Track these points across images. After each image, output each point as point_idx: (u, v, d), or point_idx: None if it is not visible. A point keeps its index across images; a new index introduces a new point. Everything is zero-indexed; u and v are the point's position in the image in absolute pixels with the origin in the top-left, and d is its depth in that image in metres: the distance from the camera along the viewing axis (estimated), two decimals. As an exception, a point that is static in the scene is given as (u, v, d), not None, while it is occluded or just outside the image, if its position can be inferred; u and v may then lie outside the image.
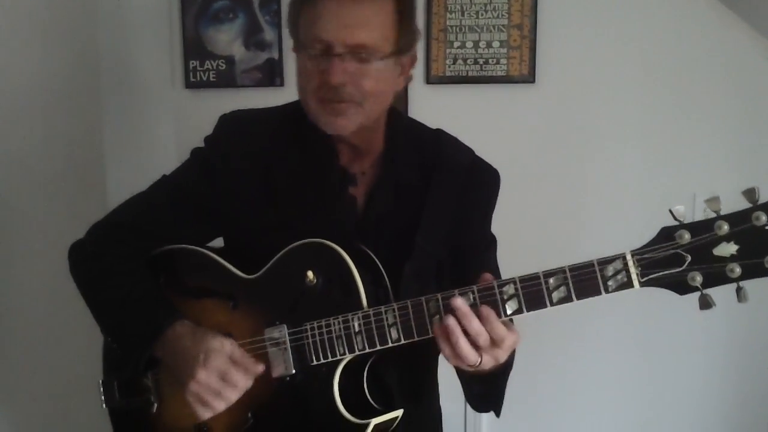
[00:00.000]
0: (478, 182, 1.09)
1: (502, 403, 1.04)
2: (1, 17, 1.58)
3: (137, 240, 1.10)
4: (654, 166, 1.86)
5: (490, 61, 1.89)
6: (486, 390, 1.02)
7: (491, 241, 1.13)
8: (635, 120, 1.86)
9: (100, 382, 1.14)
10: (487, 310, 0.86)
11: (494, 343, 0.87)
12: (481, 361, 0.88)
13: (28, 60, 1.67)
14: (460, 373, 1.00)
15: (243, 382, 0.97)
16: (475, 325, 0.86)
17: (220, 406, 0.96)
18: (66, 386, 1.75)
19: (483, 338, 0.86)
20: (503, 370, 0.97)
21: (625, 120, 1.87)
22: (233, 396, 0.96)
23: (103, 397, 1.13)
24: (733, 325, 1.85)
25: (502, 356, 0.90)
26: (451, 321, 0.87)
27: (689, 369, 1.91)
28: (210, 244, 1.16)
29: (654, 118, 1.85)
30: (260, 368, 0.98)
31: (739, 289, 0.74)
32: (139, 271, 1.08)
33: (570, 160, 1.90)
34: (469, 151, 1.12)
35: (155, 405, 1.09)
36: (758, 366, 1.88)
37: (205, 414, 0.97)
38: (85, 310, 1.11)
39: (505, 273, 1.13)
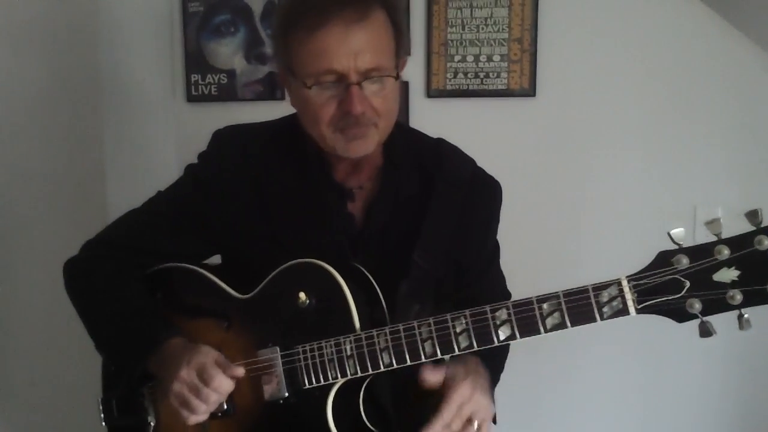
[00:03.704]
0: (479, 196, 1.07)
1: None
2: (2, 30, 1.59)
3: (130, 257, 1.09)
4: (654, 178, 1.85)
5: (490, 74, 1.88)
6: None
7: (494, 254, 1.11)
8: (635, 132, 1.85)
9: (99, 399, 1.13)
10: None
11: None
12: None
13: (30, 72, 1.68)
14: None
15: (219, 381, 0.93)
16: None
17: (200, 407, 0.94)
18: (65, 397, 1.74)
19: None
20: (492, 385, 0.97)
21: (625, 133, 1.86)
22: (212, 396, 0.94)
23: (102, 415, 1.12)
24: (732, 334, 1.81)
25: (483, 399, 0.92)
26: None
27: (688, 378, 1.89)
28: (207, 261, 1.15)
29: (654, 130, 1.84)
30: (240, 371, 0.96)
31: (740, 317, 0.70)
32: (134, 287, 1.08)
33: (570, 172, 1.89)
34: (470, 162, 1.10)
35: (152, 424, 1.08)
36: (758, 374, 1.85)
37: (189, 417, 0.95)
38: None
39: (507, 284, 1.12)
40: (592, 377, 1.92)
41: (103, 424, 1.13)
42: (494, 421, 1.02)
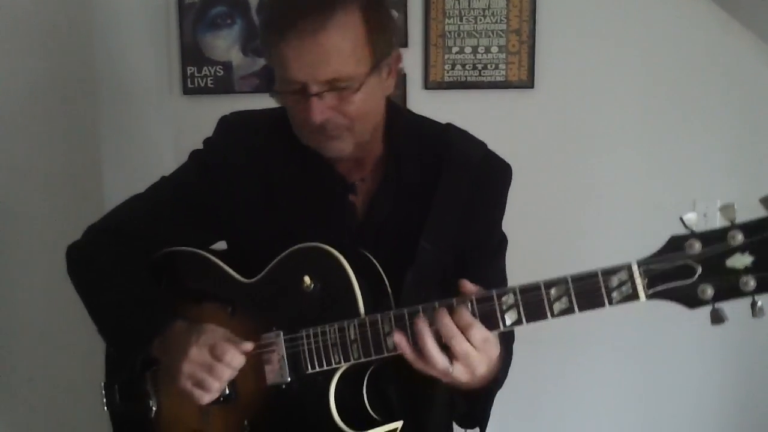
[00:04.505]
0: (488, 177, 1.05)
1: (487, 421, 1.01)
2: (-2, 23, 1.57)
3: (134, 243, 1.09)
4: (654, 171, 1.85)
5: (488, 66, 1.87)
6: (472, 409, 0.99)
7: (500, 243, 1.09)
8: (635, 125, 1.85)
9: (102, 384, 1.13)
10: (460, 314, 0.82)
11: (462, 331, 0.82)
12: (452, 370, 0.83)
13: (26, 66, 1.66)
14: (444, 391, 0.97)
15: (231, 355, 0.93)
16: (449, 327, 0.82)
17: (213, 384, 0.94)
18: (64, 390, 1.74)
19: (457, 340, 0.81)
20: (490, 388, 0.93)
21: (625, 125, 1.85)
22: (225, 372, 0.93)
23: (104, 400, 1.12)
24: (731, 332, 1.82)
25: (479, 364, 0.84)
26: (421, 323, 0.83)
27: (687, 377, 1.89)
28: (213, 247, 1.14)
29: (654, 123, 1.84)
30: (249, 346, 0.95)
31: (754, 304, 0.69)
32: (137, 273, 1.07)
33: (569, 165, 1.88)
34: (481, 145, 1.08)
35: (154, 410, 1.07)
36: (757, 370, 1.86)
37: (202, 396, 0.94)
38: (84, 313, 1.09)
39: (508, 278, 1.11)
40: (591, 377, 1.92)
41: (105, 409, 1.12)
42: (482, 429, 1.01)
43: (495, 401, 0.98)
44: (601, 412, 1.94)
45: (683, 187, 1.83)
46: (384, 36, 0.96)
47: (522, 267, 1.13)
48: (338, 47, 0.90)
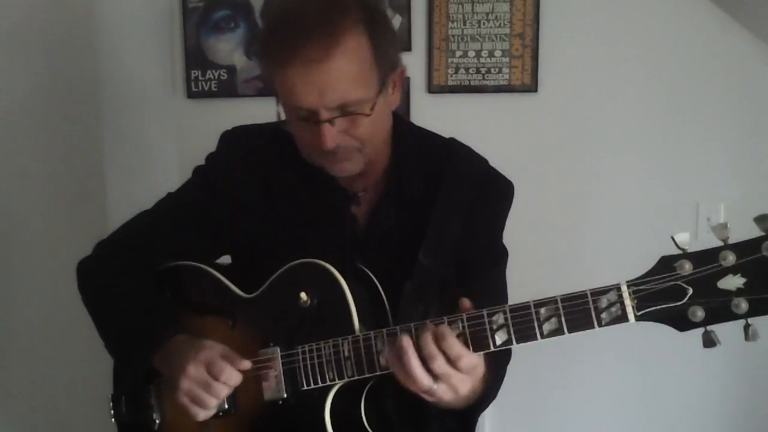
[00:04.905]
0: (489, 194, 1.04)
1: None
2: (1, 26, 1.58)
3: (140, 255, 1.10)
4: (657, 174, 1.82)
5: (492, 70, 1.85)
6: (458, 425, 0.98)
7: (501, 256, 1.08)
8: (637, 129, 1.83)
9: (110, 396, 1.14)
10: (443, 328, 0.81)
11: (450, 362, 0.81)
12: (436, 389, 0.82)
13: (29, 69, 1.67)
14: (432, 407, 0.95)
15: (228, 374, 0.93)
16: (430, 347, 0.80)
17: (211, 402, 0.93)
18: (65, 392, 1.75)
19: (438, 363, 0.80)
20: (478, 404, 0.92)
21: (627, 129, 1.83)
22: (223, 390, 0.93)
23: (112, 412, 1.13)
24: (732, 339, 1.79)
25: (461, 384, 0.83)
26: (405, 341, 0.82)
27: (688, 384, 1.86)
28: (217, 262, 1.15)
29: (656, 126, 1.81)
30: (247, 364, 0.95)
31: (746, 327, 0.67)
32: (143, 285, 1.08)
33: (572, 169, 1.86)
34: (482, 161, 1.08)
35: (157, 422, 1.08)
36: (758, 376, 1.83)
37: (199, 413, 0.94)
38: (85, 320, 1.10)
39: (508, 282, 1.10)
40: (591, 382, 1.90)
41: (113, 420, 1.13)
42: None
43: (497, 407, 0.97)
44: (601, 418, 1.92)
45: (687, 190, 1.80)
46: (389, 55, 0.94)
47: (525, 271, 1.12)
48: (346, 73, 0.88)
